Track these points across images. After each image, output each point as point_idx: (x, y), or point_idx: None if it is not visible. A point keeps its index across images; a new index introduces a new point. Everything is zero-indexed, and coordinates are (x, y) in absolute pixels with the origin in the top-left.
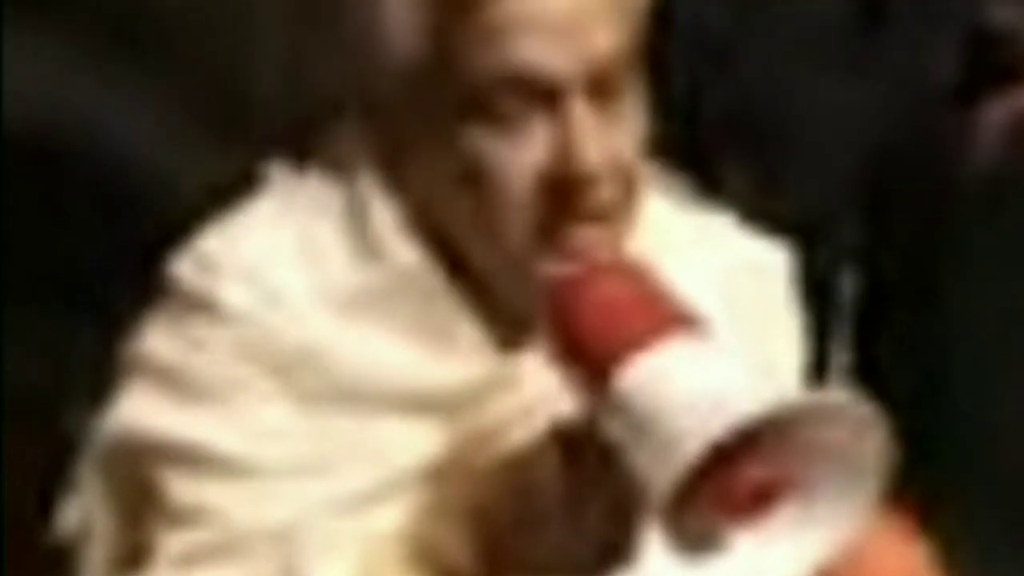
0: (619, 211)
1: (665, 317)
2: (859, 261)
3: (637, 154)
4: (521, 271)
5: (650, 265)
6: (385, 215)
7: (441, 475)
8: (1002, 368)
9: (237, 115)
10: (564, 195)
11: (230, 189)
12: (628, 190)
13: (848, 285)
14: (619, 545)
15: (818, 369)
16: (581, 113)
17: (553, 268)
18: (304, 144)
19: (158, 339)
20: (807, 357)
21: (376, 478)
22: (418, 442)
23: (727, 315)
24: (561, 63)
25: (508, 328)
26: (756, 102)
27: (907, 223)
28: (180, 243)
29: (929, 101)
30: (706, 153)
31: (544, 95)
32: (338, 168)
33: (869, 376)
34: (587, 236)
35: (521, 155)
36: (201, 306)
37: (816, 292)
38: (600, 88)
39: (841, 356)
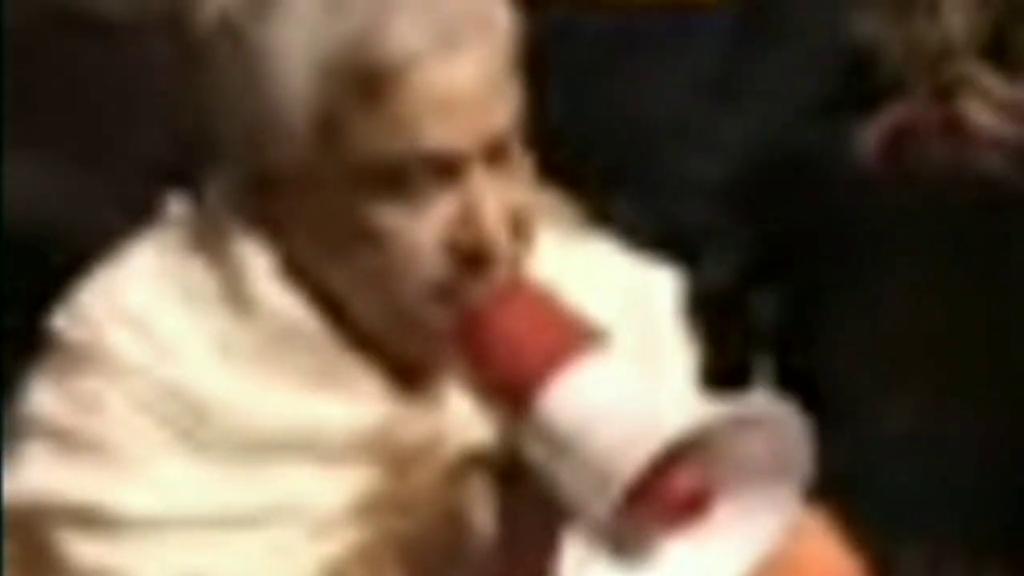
0: (514, 260)
1: (574, 336)
2: (767, 276)
3: (528, 201)
4: (414, 329)
5: (550, 287)
6: (259, 267)
7: (361, 518)
8: (879, 376)
9: (124, 169)
10: (467, 257)
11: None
12: (523, 238)
13: (766, 301)
14: (552, 568)
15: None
16: (481, 183)
17: (459, 305)
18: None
19: (47, 398)
20: (722, 372)
21: (294, 529)
22: (331, 489)
23: (623, 340)
24: (465, 141)
25: (401, 369)
26: (633, 127)
27: (793, 238)
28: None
29: (801, 119)
30: (585, 180)
31: (446, 168)
32: (210, 216)
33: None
34: (484, 289)
35: (425, 224)
36: (89, 360)
37: (726, 309)
38: (497, 154)
39: (765, 370)
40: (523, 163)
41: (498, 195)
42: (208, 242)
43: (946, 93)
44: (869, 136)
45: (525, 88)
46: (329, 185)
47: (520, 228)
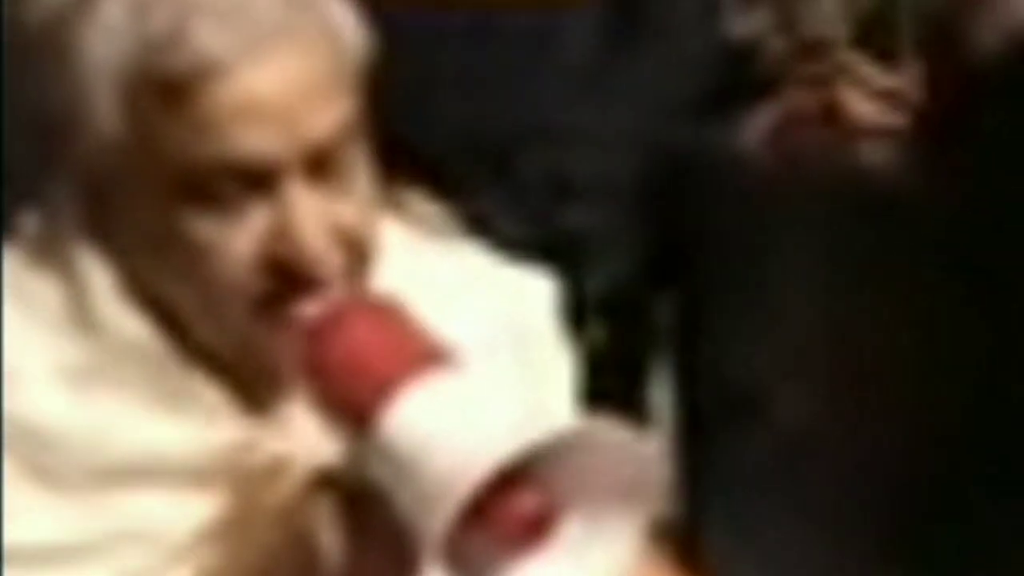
0: (348, 276)
1: (415, 355)
2: (661, 277)
3: (366, 216)
4: (244, 346)
5: (396, 302)
6: (101, 284)
7: (209, 544)
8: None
9: None
10: (285, 273)
11: None
12: (358, 255)
13: (663, 302)
14: None
15: (631, 392)
16: (298, 195)
17: (298, 319)
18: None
19: None
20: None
21: (144, 556)
22: (179, 515)
23: (491, 351)
24: (276, 149)
25: (250, 389)
26: (500, 126)
27: (682, 236)
28: None
29: (678, 116)
30: (459, 180)
31: (260, 178)
32: (54, 232)
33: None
34: (310, 307)
35: (239, 237)
36: None
37: (621, 312)
38: (320, 165)
39: (663, 372)
40: (361, 176)
41: (320, 208)
42: (52, 259)
43: (824, 82)
44: (752, 130)
45: (380, 91)
46: (147, 195)
47: (354, 245)
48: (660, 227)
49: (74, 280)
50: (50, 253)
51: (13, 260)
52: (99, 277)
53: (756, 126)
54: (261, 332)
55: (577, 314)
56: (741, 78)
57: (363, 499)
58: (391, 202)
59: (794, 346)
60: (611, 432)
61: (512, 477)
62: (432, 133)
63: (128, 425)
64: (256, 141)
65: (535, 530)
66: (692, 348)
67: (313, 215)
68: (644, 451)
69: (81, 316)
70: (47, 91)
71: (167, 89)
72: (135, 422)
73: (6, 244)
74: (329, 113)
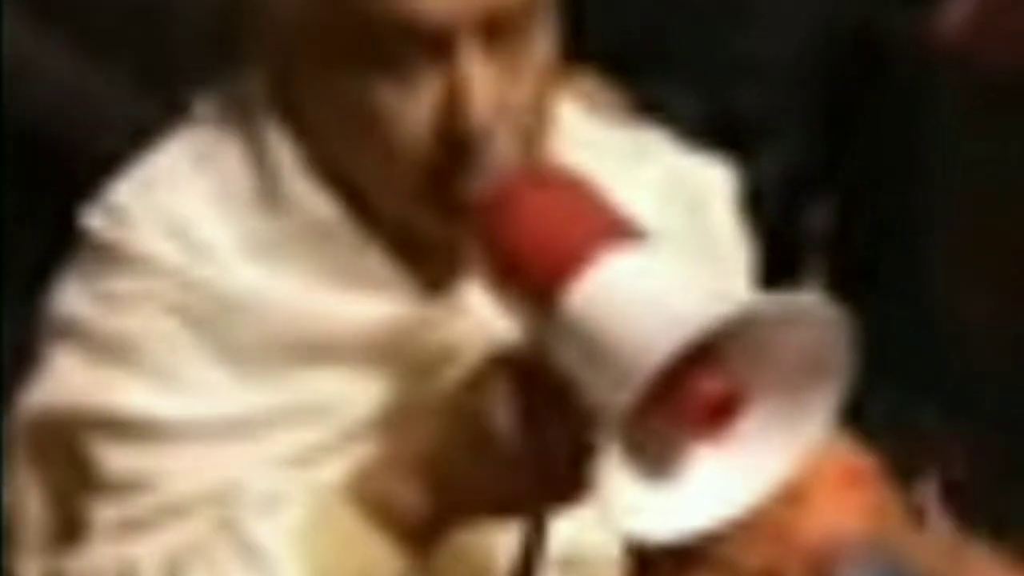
0: (517, 157)
1: (604, 227)
2: (822, 180)
3: (541, 93)
4: (416, 218)
5: (576, 174)
6: (288, 160)
7: (386, 421)
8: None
9: (160, 63)
10: (457, 146)
11: (152, 134)
12: (528, 135)
13: (817, 209)
14: (580, 475)
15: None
16: (471, 62)
17: (473, 193)
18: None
19: (77, 300)
20: (764, 272)
21: (319, 431)
22: (359, 391)
23: (666, 232)
24: (449, 10)
25: (426, 267)
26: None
27: (871, 131)
28: (97, 195)
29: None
30: (637, 65)
31: (435, 43)
32: (242, 111)
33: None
34: (481, 181)
35: (415, 105)
36: (120, 261)
37: (779, 205)
38: (497, 32)
39: (816, 270)
40: (538, 54)
41: (492, 82)
42: (241, 138)
43: None
44: (953, 13)
45: None
46: (331, 64)
47: (525, 125)
48: (833, 110)
49: (262, 157)
50: (238, 131)
51: (204, 141)
52: (286, 154)
53: (958, 10)
54: (432, 207)
55: (754, 199)
56: None
57: (539, 379)
58: (570, 88)
59: (967, 251)
60: (799, 303)
61: (696, 358)
62: (613, 19)
63: (309, 300)
64: (434, 3)
65: (720, 414)
66: (848, 250)
67: (484, 86)
68: (834, 328)
69: (268, 192)
70: None
71: None
72: (316, 297)
73: (188, 124)
74: None
